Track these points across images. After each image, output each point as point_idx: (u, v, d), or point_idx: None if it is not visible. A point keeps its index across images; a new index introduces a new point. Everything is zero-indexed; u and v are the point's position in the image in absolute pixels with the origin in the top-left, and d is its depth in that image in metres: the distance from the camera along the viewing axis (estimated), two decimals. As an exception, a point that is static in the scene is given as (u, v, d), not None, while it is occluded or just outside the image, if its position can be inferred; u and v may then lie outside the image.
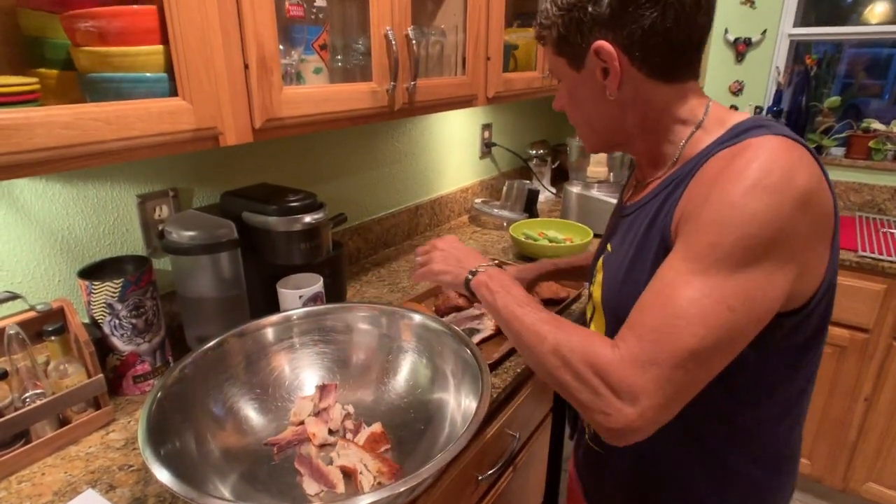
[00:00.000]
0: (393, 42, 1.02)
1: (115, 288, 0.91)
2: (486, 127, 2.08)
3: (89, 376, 0.87)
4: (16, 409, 0.79)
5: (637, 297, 0.60)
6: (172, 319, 1.15)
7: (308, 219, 1.00)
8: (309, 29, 0.99)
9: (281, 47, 0.97)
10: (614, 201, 1.73)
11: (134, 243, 1.09)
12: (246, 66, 0.82)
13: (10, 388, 0.81)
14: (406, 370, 0.90)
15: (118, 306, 0.92)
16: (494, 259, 0.94)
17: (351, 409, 0.89)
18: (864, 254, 1.71)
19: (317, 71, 1.03)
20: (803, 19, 2.20)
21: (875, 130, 2.12)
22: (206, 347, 0.83)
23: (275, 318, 0.92)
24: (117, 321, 0.93)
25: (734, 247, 0.53)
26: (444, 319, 0.93)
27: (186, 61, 0.74)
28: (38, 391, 0.83)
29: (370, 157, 1.59)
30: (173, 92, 0.75)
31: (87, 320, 0.93)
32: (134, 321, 0.94)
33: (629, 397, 0.55)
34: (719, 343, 0.54)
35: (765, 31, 2.19)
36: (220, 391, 0.84)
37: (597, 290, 0.77)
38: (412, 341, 0.90)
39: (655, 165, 0.72)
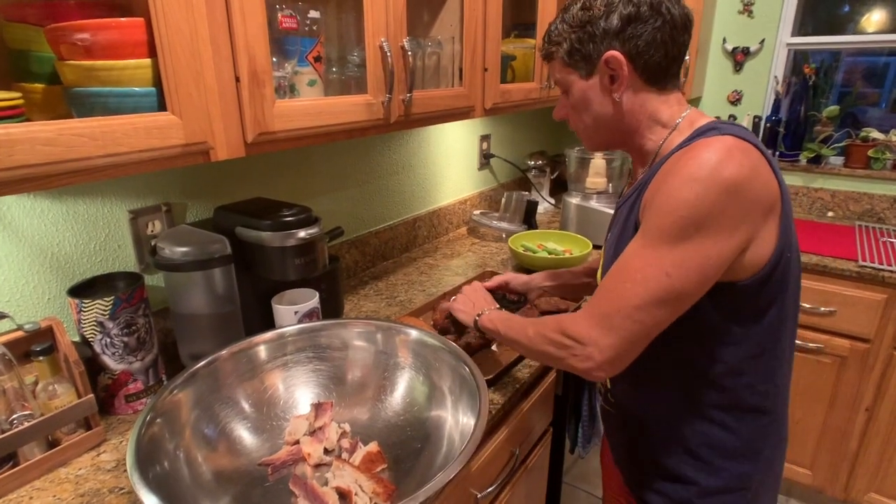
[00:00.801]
0: (388, 53, 1.00)
1: (106, 306, 0.89)
2: (485, 138, 2.07)
3: (79, 396, 0.85)
4: (2, 432, 0.77)
5: None
6: (166, 336, 1.13)
7: (303, 234, 0.98)
8: (303, 41, 0.98)
9: (274, 60, 0.96)
10: (612, 212, 1.73)
11: (126, 259, 1.07)
12: (237, 80, 0.80)
13: (-4, 410, 0.79)
14: (403, 387, 0.88)
15: (109, 324, 0.90)
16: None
17: (347, 427, 0.87)
18: (865, 263, 1.69)
19: (311, 83, 1.02)
20: (800, 29, 2.20)
21: (874, 139, 2.11)
22: (196, 367, 0.81)
23: (268, 335, 0.90)
24: (108, 339, 0.90)
25: (671, 226, 0.67)
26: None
27: (175, 75, 0.72)
28: (26, 412, 0.81)
29: (367, 169, 1.58)
30: (162, 106, 0.73)
31: (77, 339, 0.91)
32: (126, 339, 0.92)
33: (588, 341, 0.73)
34: (659, 300, 0.69)
35: (763, 41, 2.19)
36: (211, 411, 0.82)
37: (599, 273, 0.92)
38: (409, 358, 0.88)
39: (643, 162, 0.85)
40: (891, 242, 1.89)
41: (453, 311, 1.07)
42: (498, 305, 1.02)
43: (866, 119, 2.23)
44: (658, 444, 0.86)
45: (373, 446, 0.82)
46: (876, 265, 1.67)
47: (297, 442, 0.85)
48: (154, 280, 1.12)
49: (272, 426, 0.87)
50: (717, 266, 0.68)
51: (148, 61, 0.72)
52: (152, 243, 1.03)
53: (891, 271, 1.65)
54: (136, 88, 0.72)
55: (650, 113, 0.80)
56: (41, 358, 0.84)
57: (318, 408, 0.89)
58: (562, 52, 0.81)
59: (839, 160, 2.21)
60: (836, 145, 2.19)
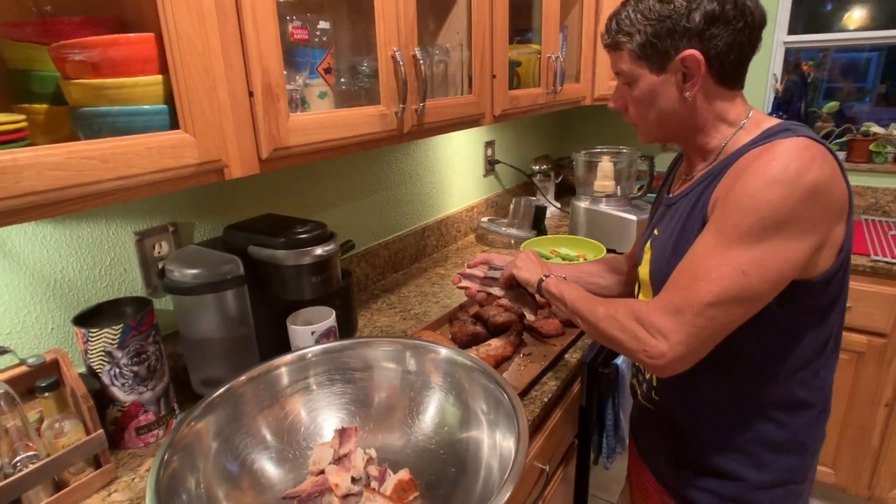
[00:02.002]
0: (401, 63, 0.97)
1: (115, 334, 0.84)
2: (489, 144, 2.04)
3: (88, 433, 0.80)
4: (6, 477, 0.72)
5: None
6: (175, 362, 1.08)
7: (319, 251, 0.95)
8: (313, 52, 0.94)
9: (285, 72, 0.92)
10: (623, 215, 1.71)
11: (132, 284, 1.03)
12: (250, 94, 0.77)
13: None
14: (433, 409, 0.84)
15: (118, 354, 0.85)
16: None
17: (373, 452, 0.83)
18: (877, 258, 1.68)
19: (322, 95, 0.98)
20: (790, 28, 2.19)
21: (874, 134, 2.11)
22: (213, 396, 0.77)
23: (288, 357, 0.86)
24: (117, 370, 0.86)
25: (752, 226, 0.67)
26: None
27: (188, 91, 0.68)
28: (31, 453, 0.76)
29: (375, 180, 1.54)
30: (174, 124, 0.70)
31: (84, 370, 0.86)
32: (136, 368, 0.88)
33: (661, 335, 0.71)
34: (734, 298, 0.68)
35: (761, 40, 2.18)
36: (231, 443, 0.78)
37: (644, 269, 0.90)
38: (438, 377, 0.84)
39: (702, 159, 0.84)
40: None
41: (515, 270, 1.01)
42: (564, 276, 0.98)
43: (853, 114, 2.25)
44: (706, 441, 0.85)
45: (404, 473, 0.78)
46: (889, 259, 1.66)
47: (323, 471, 0.80)
48: (161, 303, 1.07)
49: (295, 455, 0.82)
50: (794, 266, 0.68)
51: (159, 78, 0.68)
52: (160, 265, 0.98)
53: (904, 265, 1.64)
54: (147, 106, 0.68)
55: (718, 112, 0.79)
56: (46, 394, 0.79)
57: (342, 434, 0.85)
58: (633, 45, 0.77)
59: (841, 155, 2.20)
60: (838, 140, 2.18)
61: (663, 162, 2.46)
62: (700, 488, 0.87)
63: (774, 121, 0.77)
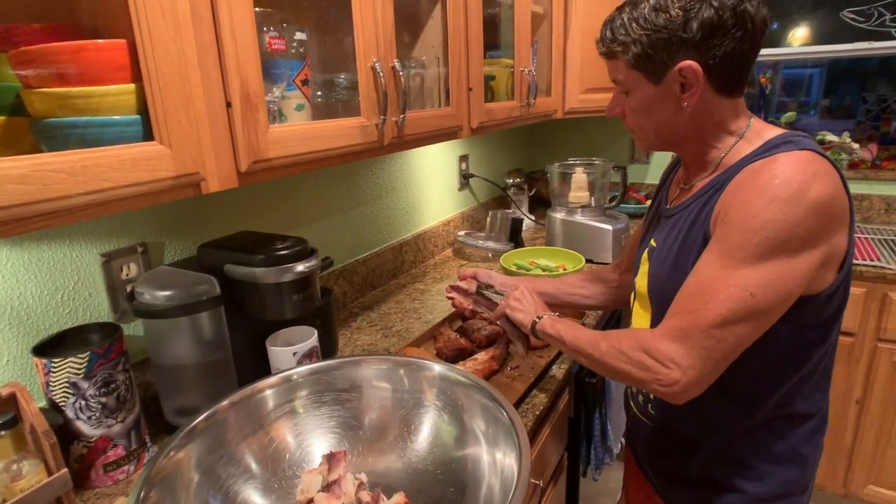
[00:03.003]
0: (380, 74, 0.95)
1: (80, 363, 0.78)
2: (463, 158, 2.04)
3: (50, 473, 0.73)
4: (-42, 529, 0.65)
5: (680, 285, 0.73)
6: (146, 391, 1.02)
7: (300, 267, 0.91)
8: (291, 64, 0.92)
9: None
10: (599, 225, 1.72)
11: (99, 308, 0.96)
12: (228, 104, 0.73)
13: (-51, 504, 0.67)
14: (427, 428, 0.81)
15: (84, 384, 0.79)
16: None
17: (364, 477, 0.79)
18: (845, 260, 1.73)
19: (299, 108, 0.95)
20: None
21: (830, 142, 2.20)
22: (194, 423, 0.72)
23: (273, 379, 0.81)
24: (83, 402, 0.80)
25: (756, 247, 0.66)
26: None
27: (163, 101, 0.65)
28: (-15, 500, 0.69)
29: (350, 196, 1.51)
30: (147, 136, 0.66)
31: (45, 404, 0.80)
32: (104, 399, 0.81)
33: (672, 363, 0.69)
34: (743, 319, 0.67)
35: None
36: (214, 475, 0.72)
37: (641, 281, 0.88)
38: (431, 396, 0.81)
39: (701, 168, 0.82)
40: (860, 238, 1.96)
41: (509, 311, 0.98)
42: (557, 313, 0.94)
43: (802, 126, 2.35)
44: (704, 454, 0.83)
45: (399, 497, 0.74)
46: (854, 261, 1.72)
47: (312, 500, 0.76)
48: (131, 329, 1.01)
49: (282, 485, 0.78)
50: (801, 283, 0.68)
51: (132, 86, 0.64)
52: (128, 288, 0.93)
53: (867, 266, 1.71)
54: (119, 117, 0.64)
55: (718, 121, 0.77)
56: (2, 433, 0.72)
57: (330, 458, 0.80)
58: (629, 55, 0.75)
59: (801, 163, 2.28)
60: (797, 149, 2.27)
61: (635, 173, 2.51)
62: (697, 499, 0.86)
63: (777, 130, 0.75)
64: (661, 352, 0.70)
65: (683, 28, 0.69)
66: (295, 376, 0.81)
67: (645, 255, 0.88)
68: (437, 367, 0.80)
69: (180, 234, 1.08)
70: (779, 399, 0.78)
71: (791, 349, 0.75)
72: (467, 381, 0.78)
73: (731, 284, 0.67)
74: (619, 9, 0.76)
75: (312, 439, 0.82)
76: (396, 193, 1.70)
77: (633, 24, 0.73)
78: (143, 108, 0.65)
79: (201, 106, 0.70)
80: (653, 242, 0.87)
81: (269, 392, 0.80)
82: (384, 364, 0.82)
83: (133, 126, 0.65)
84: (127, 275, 0.99)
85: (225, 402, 0.74)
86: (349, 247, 1.53)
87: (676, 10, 0.69)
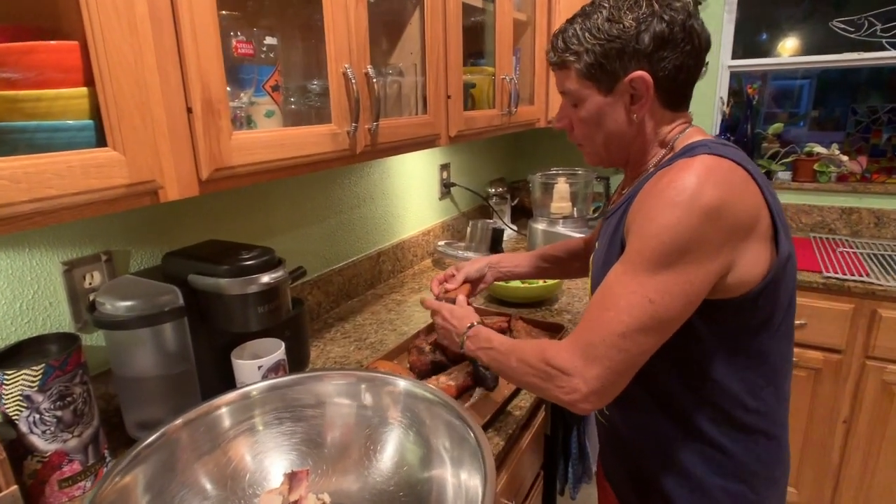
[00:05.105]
0: (353, 80, 0.94)
1: (35, 375, 0.75)
2: (444, 167, 2.02)
3: (0, 490, 0.71)
4: None
5: None
6: (108, 403, 0.99)
7: (266, 278, 0.88)
8: (259, 69, 0.90)
9: (228, 89, 0.87)
10: (580, 236, 1.70)
11: (60, 318, 0.93)
12: (189, 110, 0.71)
13: None
14: (392, 447, 0.78)
15: (38, 397, 0.76)
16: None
17: (327, 497, 0.76)
18: (829, 274, 1.72)
19: (268, 114, 0.93)
20: (733, 53, 2.29)
21: (818, 154, 2.20)
22: (141, 446, 0.68)
23: (230, 396, 0.78)
24: (37, 416, 0.77)
25: (653, 252, 0.66)
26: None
27: (117, 105, 0.62)
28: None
29: (328, 204, 1.49)
30: (101, 142, 0.63)
31: (-3, 418, 0.77)
32: (59, 413, 0.78)
33: (574, 371, 0.69)
34: (644, 327, 0.66)
35: (707, 63, 2.26)
36: (165, 498, 0.69)
37: (589, 283, 0.90)
38: (397, 413, 0.79)
39: (636, 176, 0.83)
40: (849, 252, 1.94)
41: (440, 339, 1.02)
42: (479, 320, 0.94)
43: (790, 138, 2.35)
44: (652, 460, 0.83)
45: (361, 518, 0.72)
46: (840, 276, 1.71)
47: (271, 520, 0.73)
48: (93, 339, 0.98)
49: (241, 504, 0.75)
50: (700, 290, 0.67)
51: (84, 90, 0.62)
52: (90, 298, 0.90)
53: (855, 281, 1.69)
54: (71, 122, 0.62)
55: (657, 133, 0.79)
56: (-49, 447, 0.69)
57: (292, 478, 0.78)
58: (581, 65, 0.76)
59: (787, 175, 2.29)
60: (784, 161, 2.27)
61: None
62: None
63: (700, 138, 0.76)
64: (562, 362, 0.70)
65: (636, 39, 0.71)
66: (254, 392, 0.78)
67: (592, 257, 0.89)
68: (402, 383, 0.78)
69: (148, 242, 1.05)
70: (712, 405, 0.76)
71: (714, 351, 0.73)
72: (433, 397, 0.75)
73: (630, 291, 0.67)
74: (570, 20, 0.78)
75: (272, 458, 0.79)
76: (375, 202, 1.68)
77: (587, 34, 0.74)
78: (96, 113, 0.63)
79: (160, 111, 0.67)
80: (596, 244, 0.88)
81: (225, 409, 0.77)
82: (347, 379, 0.79)
83: (85, 131, 0.63)
84: (90, 284, 0.96)
85: (179, 421, 0.72)
86: (325, 256, 1.50)
87: (630, 22, 0.71)
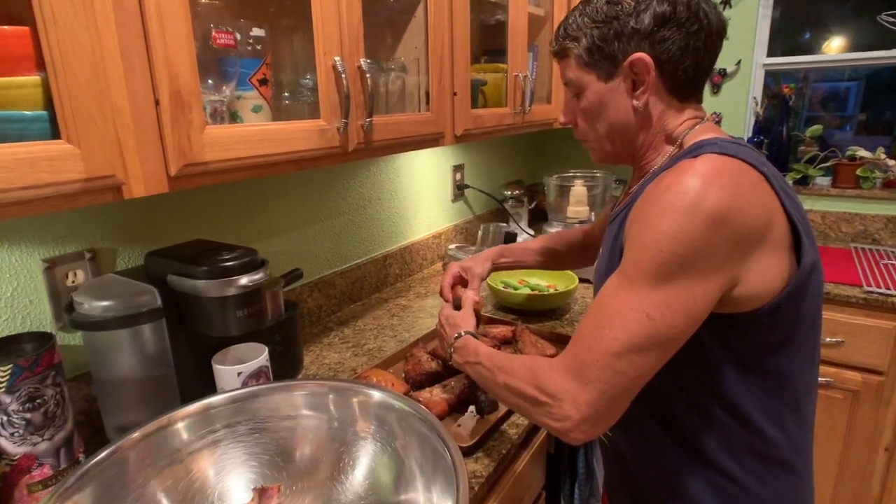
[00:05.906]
0: (343, 74, 0.89)
1: (2, 376, 0.73)
2: (458, 168, 1.96)
3: (-39, 494, 0.68)
4: None
5: None
6: (90, 405, 0.96)
7: (245, 280, 0.84)
8: (244, 62, 0.86)
9: (210, 81, 0.84)
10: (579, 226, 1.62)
11: (40, 317, 0.91)
12: (157, 102, 0.67)
13: None
14: (364, 465, 0.72)
15: (6, 399, 0.73)
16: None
17: (298, 516, 0.71)
18: (870, 289, 1.59)
19: (256, 109, 0.89)
20: (769, 52, 2.17)
21: (861, 158, 2.05)
22: (89, 464, 0.64)
23: (190, 408, 0.74)
24: (5, 417, 0.74)
25: (651, 263, 0.59)
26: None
27: (70, 96, 0.59)
28: None
29: (331, 204, 1.45)
30: (57, 134, 0.60)
31: (-36, 419, 0.74)
32: (28, 416, 0.75)
33: (565, 397, 0.62)
34: (642, 346, 0.59)
35: (739, 62, 2.14)
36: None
37: (593, 293, 0.83)
38: (370, 427, 0.73)
39: (641, 176, 0.78)
40: (893, 265, 1.79)
41: (441, 344, 0.96)
42: (472, 328, 0.88)
43: (834, 142, 2.21)
44: (657, 491, 0.76)
45: (329, 542, 0.66)
46: (883, 290, 1.57)
47: (237, 539, 0.68)
48: (76, 339, 0.96)
49: (204, 522, 0.70)
50: (704, 306, 0.60)
51: (37, 79, 0.59)
52: (71, 297, 0.87)
53: (898, 296, 1.55)
54: (24, 112, 0.59)
55: (663, 126, 0.73)
56: (-85, 447, 0.67)
57: (262, 494, 0.73)
58: (579, 49, 0.72)
59: (826, 180, 2.14)
60: (823, 165, 2.12)
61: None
62: None
63: (712, 135, 0.68)
64: (553, 387, 0.63)
65: (635, 18, 0.67)
66: (214, 405, 0.74)
67: (596, 264, 0.84)
68: (377, 394, 0.72)
69: (137, 241, 1.03)
70: (721, 429, 0.69)
71: (724, 371, 0.66)
72: (411, 411, 0.69)
73: (626, 307, 0.60)
74: (573, 8, 0.75)
75: (237, 474, 0.74)
76: (382, 203, 1.63)
77: (585, 19, 0.72)
78: (51, 104, 0.59)
79: (122, 102, 0.64)
80: (601, 251, 0.83)
81: (182, 424, 0.72)
82: (315, 390, 0.74)
83: (39, 122, 0.60)
84: (73, 282, 0.94)
85: (135, 434, 0.67)
86: (327, 258, 1.46)
87: (629, 2, 0.68)
